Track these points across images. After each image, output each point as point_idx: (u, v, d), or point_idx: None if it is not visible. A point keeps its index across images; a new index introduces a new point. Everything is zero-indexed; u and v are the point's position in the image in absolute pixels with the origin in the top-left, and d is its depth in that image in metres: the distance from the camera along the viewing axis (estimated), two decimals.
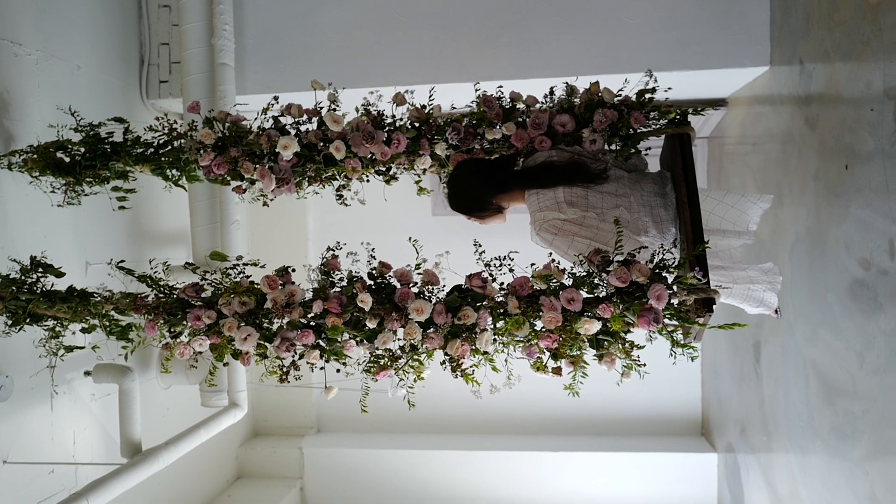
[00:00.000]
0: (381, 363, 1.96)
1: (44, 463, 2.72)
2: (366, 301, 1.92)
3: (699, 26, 3.29)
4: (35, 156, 2.56)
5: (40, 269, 2.25)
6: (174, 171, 2.52)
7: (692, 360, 1.93)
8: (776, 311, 2.60)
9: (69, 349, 2.25)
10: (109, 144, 2.54)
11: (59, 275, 2.29)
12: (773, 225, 3.26)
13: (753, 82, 3.55)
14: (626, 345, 1.92)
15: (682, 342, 1.93)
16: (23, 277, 2.24)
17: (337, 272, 2.05)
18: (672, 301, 1.87)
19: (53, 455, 2.82)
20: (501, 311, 1.94)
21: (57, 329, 2.26)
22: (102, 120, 2.59)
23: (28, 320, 2.23)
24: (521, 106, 2.34)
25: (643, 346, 1.93)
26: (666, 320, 1.88)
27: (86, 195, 2.64)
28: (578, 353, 1.93)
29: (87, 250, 3.09)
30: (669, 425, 4.96)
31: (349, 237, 2.10)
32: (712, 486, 4.62)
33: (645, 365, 1.91)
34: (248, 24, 3.53)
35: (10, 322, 2.24)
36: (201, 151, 2.37)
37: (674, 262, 1.88)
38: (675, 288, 1.86)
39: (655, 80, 2.21)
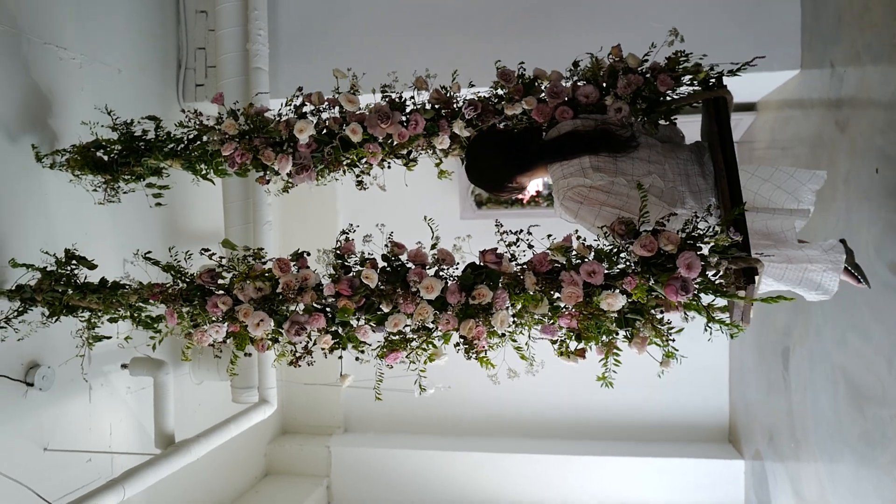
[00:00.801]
0: (392, 345, 1.90)
1: (82, 451, 2.82)
2: (371, 277, 1.87)
3: (727, 30, 3.28)
4: (77, 156, 2.67)
5: (74, 262, 2.34)
6: (203, 166, 2.59)
7: (732, 336, 1.74)
8: (859, 280, 2.30)
9: (97, 338, 2.33)
10: (144, 142, 2.63)
11: (92, 266, 2.37)
12: (803, 228, 3.23)
13: (783, 86, 3.53)
14: (658, 323, 1.73)
15: (729, 322, 1.76)
16: (58, 270, 2.33)
17: (351, 256, 2.00)
18: (707, 273, 1.69)
19: (91, 444, 2.93)
20: (518, 289, 1.82)
21: (92, 320, 2.34)
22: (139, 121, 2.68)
23: (64, 311, 2.32)
24: (544, 84, 2.23)
25: (681, 329, 1.76)
26: (703, 296, 1.73)
27: (124, 193, 2.74)
28: (609, 338, 1.79)
29: (125, 249, 3.19)
30: (697, 431, 4.92)
31: (378, 237, 2.09)
32: (739, 494, 4.57)
33: (675, 341, 1.74)
34: (281, 28, 3.62)
35: (48, 313, 2.33)
36: (224, 142, 2.42)
37: (709, 231, 1.70)
38: (709, 258, 1.67)
39: (682, 40, 2.04)
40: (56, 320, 2.38)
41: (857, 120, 2.67)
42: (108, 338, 2.44)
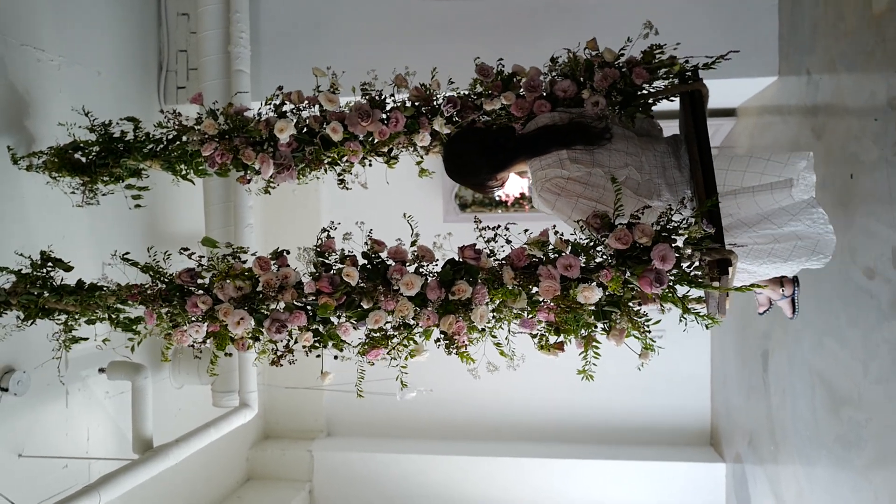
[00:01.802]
0: (373, 342, 1.91)
1: (58, 457, 2.78)
2: (351, 274, 1.88)
3: (706, 37, 3.30)
4: (54, 158, 2.64)
5: (50, 263, 2.31)
6: (182, 166, 2.57)
7: (707, 328, 1.76)
8: (794, 310, 2.37)
9: (75, 340, 2.30)
10: (123, 143, 2.61)
11: (68, 269, 2.35)
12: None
13: (762, 93, 3.57)
14: (635, 315, 1.75)
15: (705, 314, 1.77)
16: (34, 272, 2.30)
17: (332, 253, 2.00)
18: (682, 265, 1.71)
19: (67, 450, 2.89)
20: (497, 284, 1.84)
21: (69, 323, 2.31)
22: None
23: (40, 314, 2.29)
24: (522, 79, 2.24)
25: (658, 321, 1.78)
26: (679, 288, 1.74)
27: (103, 195, 2.72)
28: (588, 331, 1.80)
29: (104, 252, 3.15)
30: (679, 435, 4.95)
31: (361, 238, 2.07)
32: (720, 497, 4.60)
33: (651, 332, 1.75)
34: (264, 32, 3.61)
35: (22, 316, 2.30)
36: (204, 142, 2.40)
37: (683, 223, 1.72)
38: (683, 250, 1.69)
39: (656, 33, 2.07)
40: (31, 324, 2.34)
41: (832, 126, 2.71)
42: (86, 339, 2.41)
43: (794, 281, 2.38)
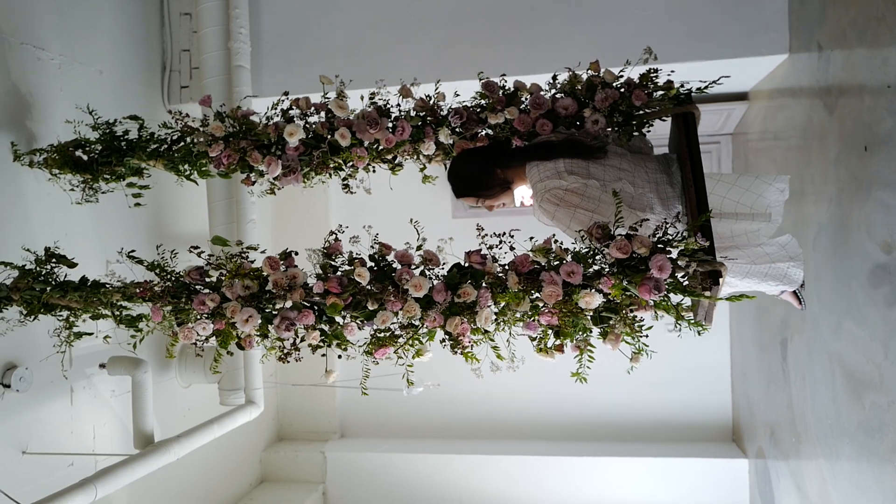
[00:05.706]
0: (380, 341, 1.97)
1: (62, 454, 2.77)
2: (363, 275, 1.94)
3: (714, 16, 3.23)
4: (56, 155, 2.64)
5: (54, 260, 2.31)
6: (186, 166, 2.58)
7: (699, 334, 1.87)
8: (800, 302, 2.52)
9: (78, 335, 2.29)
10: (125, 142, 2.62)
11: (72, 265, 2.34)
12: (796, 217, 3.16)
13: (773, 73, 3.47)
14: (631, 321, 1.85)
15: (692, 320, 1.87)
16: (38, 268, 2.30)
17: (339, 255, 2.06)
18: (676, 275, 1.83)
19: (73, 447, 2.88)
20: (501, 288, 1.92)
21: (70, 319, 2.31)
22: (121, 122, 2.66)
23: (42, 310, 2.29)
24: (524, 95, 2.34)
25: (651, 327, 1.88)
26: (672, 296, 1.84)
27: (103, 193, 2.71)
28: (583, 335, 1.89)
29: (107, 250, 3.16)
30: (700, 431, 4.83)
31: (367, 241, 2.12)
32: (744, 493, 4.46)
33: (648, 339, 1.87)
34: (264, 28, 3.61)
35: (25, 312, 2.30)
36: (211, 144, 2.43)
37: (677, 236, 1.83)
38: (678, 261, 1.81)
39: (655, 58, 2.18)
40: (34, 319, 2.34)
41: (845, 100, 2.61)
42: (90, 334, 2.40)
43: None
